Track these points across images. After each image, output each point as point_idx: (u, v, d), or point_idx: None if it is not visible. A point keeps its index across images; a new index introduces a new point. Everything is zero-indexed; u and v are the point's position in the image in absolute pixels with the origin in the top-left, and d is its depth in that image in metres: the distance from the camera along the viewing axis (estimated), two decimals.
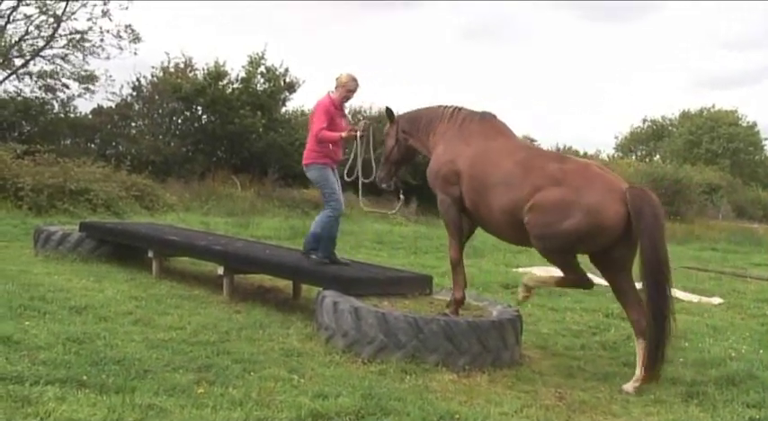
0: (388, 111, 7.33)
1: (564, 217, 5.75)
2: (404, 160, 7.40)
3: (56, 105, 26.35)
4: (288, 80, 27.83)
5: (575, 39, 74.16)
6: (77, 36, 24.91)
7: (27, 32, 24.60)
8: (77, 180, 16.76)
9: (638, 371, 5.83)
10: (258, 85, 26.91)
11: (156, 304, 7.57)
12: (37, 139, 21.28)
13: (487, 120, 6.73)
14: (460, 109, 6.91)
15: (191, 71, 27.28)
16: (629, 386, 5.79)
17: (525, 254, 14.93)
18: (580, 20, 74.02)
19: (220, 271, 8.35)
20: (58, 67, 25.49)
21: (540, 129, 78.34)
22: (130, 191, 18.03)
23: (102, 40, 25.00)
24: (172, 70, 26.98)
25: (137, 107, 26.72)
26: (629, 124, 66.32)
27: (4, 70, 25.01)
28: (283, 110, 29.09)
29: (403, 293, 7.06)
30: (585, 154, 37.67)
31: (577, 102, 76.99)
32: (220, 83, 26.20)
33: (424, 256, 13.60)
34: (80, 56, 25.35)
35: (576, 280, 6.12)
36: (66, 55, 25.27)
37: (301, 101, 43.79)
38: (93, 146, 26.29)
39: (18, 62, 25.17)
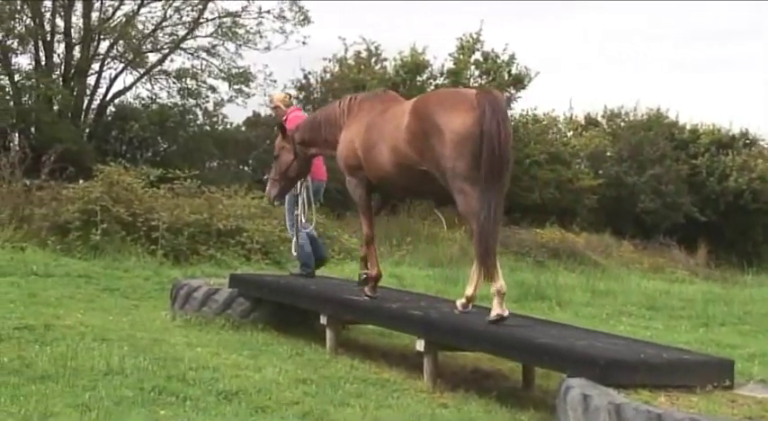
0: (281, 126, 10.87)
1: (434, 142, 8.20)
2: (301, 174, 10.77)
3: (199, 114, 27.86)
4: (514, 71, 27.98)
5: None
6: (228, 20, 26.33)
7: (165, 18, 26.32)
8: (227, 216, 17.59)
9: (469, 290, 8.59)
10: (472, 80, 27.30)
11: (332, 391, 7.79)
12: (175, 161, 22.62)
13: (378, 95, 9.99)
14: (356, 96, 10.07)
15: (377, 62, 28.14)
16: (459, 302, 8.67)
17: None
18: None
19: (420, 346, 8.45)
20: (203, 64, 26.97)
21: None
22: None
23: (259, 23, 26.31)
24: (351, 62, 27.91)
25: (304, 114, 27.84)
26: None
27: (134, 70, 26.91)
28: (508, 113, 29.18)
29: (689, 385, 6.83)
30: None
31: None
32: (419, 77, 26.87)
33: (719, 330, 13.08)
34: (231, 47, 26.72)
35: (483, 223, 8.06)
36: (214, 46, 26.73)
37: (533, 100, 44.10)
38: (246, 169, 27.63)
39: (153, 58, 26.95)
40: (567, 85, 58.74)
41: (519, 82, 28.15)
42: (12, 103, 24.98)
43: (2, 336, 9.00)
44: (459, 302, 8.67)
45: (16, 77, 25.46)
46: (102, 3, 26.08)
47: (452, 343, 8.48)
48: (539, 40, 52.74)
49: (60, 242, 16.41)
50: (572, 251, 23.87)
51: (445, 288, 15.12)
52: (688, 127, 35.17)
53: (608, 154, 33.11)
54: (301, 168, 10.64)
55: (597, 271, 21.50)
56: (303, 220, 11.44)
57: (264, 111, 28.39)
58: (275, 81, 27.70)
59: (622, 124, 34.98)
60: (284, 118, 11.75)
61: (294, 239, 11.67)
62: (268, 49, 26.53)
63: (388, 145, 8.86)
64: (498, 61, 27.86)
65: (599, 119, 35.93)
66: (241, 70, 26.85)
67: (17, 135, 24.94)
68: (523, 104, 34.60)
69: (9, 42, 25.23)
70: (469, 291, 8.61)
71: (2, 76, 25.68)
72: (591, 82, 53.74)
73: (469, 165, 8.06)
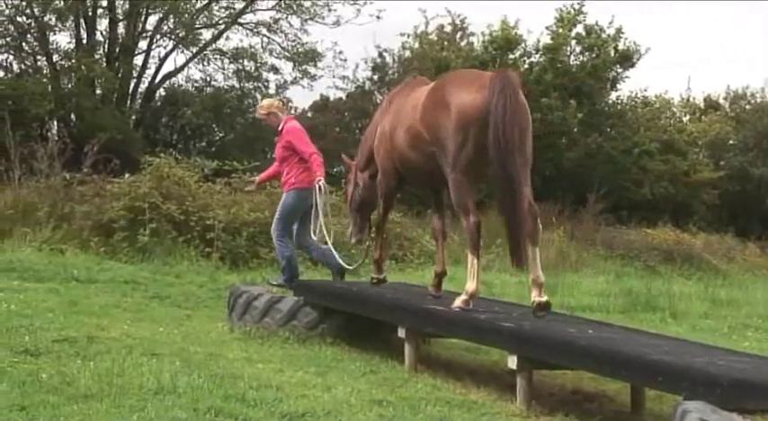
0: (343, 160, 12.04)
1: (441, 122, 9.09)
2: (365, 204, 11.33)
3: (259, 99, 27.99)
4: (621, 48, 27.77)
5: None
6: None
7: None
8: None
9: (469, 285, 9.33)
10: (572, 57, 27.17)
11: (411, 414, 7.78)
12: (232, 151, 22.78)
13: (408, 82, 10.89)
14: (391, 92, 11.10)
15: (462, 38, 28.11)
16: (458, 301, 9.31)
17: None
18: None
19: (512, 363, 8.42)
20: (264, 41, 27.11)
21: None
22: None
23: None
24: (433, 37, 27.90)
25: (379, 98, 27.82)
26: None
27: (186, 49, 27.13)
28: (614, 96, 29.06)
29: None
30: None
31: None
32: (511, 55, 26.76)
33: None
34: (296, 22, 26.83)
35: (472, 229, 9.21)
36: (277, 21, 26.85)
37: (643, 81, 43.64)
38: None
39: (207, 35, 27.13)
40: (682, 64, 58.15)
41: (626, 59, 27.86)
42: (50, 86, 25.23)
43: (40, 350, 9.10)
44: (460, 300, 9.35)
45: (54, 58, 25.78)
46: None
47: (549, 359, 8.40)
48: (649, 16, 52.26)
49: (104, 243, 16.62)
50: (688, 254, 23.63)
51: None
52: None
53: (731, 142, 32.67)
54: (363, 196, 11.34)
55: (718, 277, 21.26)
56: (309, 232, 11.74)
57: (334, 95, 28.45)
58: (345, 60, 27.77)
59: (747, 107, 34.48)
60: (280, 128, 12.02)
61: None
62: (338, 23, 26.63)
63: (405, 126, 9.86)
64: (603, 36, 27.59)
65: (720, 101, 35.47)
66: (307, 48, 26.89)
67: (56, 123, 25.31)
68: (632, 85, 34.24)
69: (46, 18, 25.48)
70: (471, 285, 9.34)
71: (39, 57, 26.04)
72: (710, 61, 53.12)
73: (469, 150, 8.97)
